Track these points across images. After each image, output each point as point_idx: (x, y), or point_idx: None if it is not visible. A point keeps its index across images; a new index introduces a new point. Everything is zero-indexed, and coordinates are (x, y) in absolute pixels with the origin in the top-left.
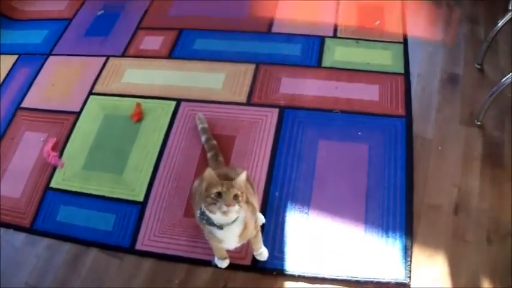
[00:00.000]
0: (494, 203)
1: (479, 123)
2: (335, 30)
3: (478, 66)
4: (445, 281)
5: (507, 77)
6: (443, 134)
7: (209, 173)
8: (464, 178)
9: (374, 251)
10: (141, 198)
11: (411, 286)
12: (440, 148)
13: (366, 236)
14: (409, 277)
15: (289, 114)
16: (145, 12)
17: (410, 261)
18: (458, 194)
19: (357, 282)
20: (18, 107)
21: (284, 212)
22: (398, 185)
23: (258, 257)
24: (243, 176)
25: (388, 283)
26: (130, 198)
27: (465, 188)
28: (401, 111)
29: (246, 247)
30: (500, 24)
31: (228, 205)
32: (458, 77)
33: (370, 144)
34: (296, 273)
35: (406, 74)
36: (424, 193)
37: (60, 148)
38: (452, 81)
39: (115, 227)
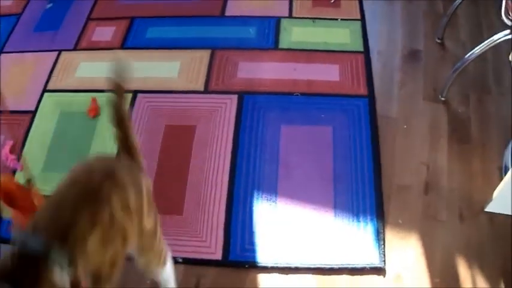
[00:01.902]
0: (464, 180)
1: (443, 98)
2: (290, 9)
3: (439, 41)
4: (420, 262)
5: (471, 52)
6: (407, 111)
7: None
8: (433, 156)
9: (346, 236)
10: None
11: (386, 270)
12: (405, 126)
13: (336, 221)
14: (384, 261)
15: (249, 100)
16: (95, 2)
17: (384, 244)
18: (428, 172)
19: (331, 269)
20: None
21: (251, 202)
22: (365, 166)
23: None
24: None
25: (363, 268)
26: None
27: (434, 166)
28: (363, 90)
29: (216, 240)
30: None
31: None
32: (420, 52)
33: (334, 126)
34: (269, 264)
35: (366, 52)
36: (393, 173)
37: (17, 150)
38: (414, 57)
39: None
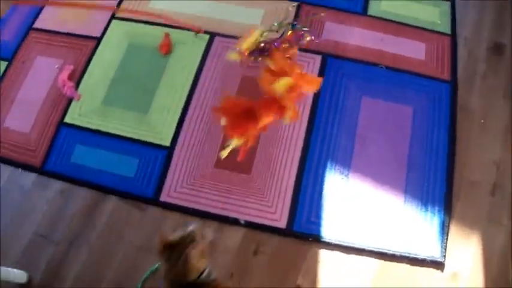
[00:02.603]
0: None
1: None
2: None
3: None
4: (478, 264)
5: None
6: (486, 106)
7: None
8: (504, 156)
9: (412, 224)
10: (167, 143)
11: (445, 265)
12: (482, 121)
13: (405, 208)
14: (444, 256)
15: (332, 64)
16: None
17: (447, 239)
18: (497, 172)
19: (393, 256)
20: (30, 28)
21: (323, 173)
22: (440, 155)
23: None
24: None
25: (423, 260)
26: (155, 141)
27: (503, 167)
28: (446, 75)
29: (282, 207)
30: None
31: None
32: (505, 46)
33: (415, 108)
34: (332, 241)
35: (453, 35)
36: (464, 167)
37: (77, 78)
38: (498, 50)
39: (137, 174)
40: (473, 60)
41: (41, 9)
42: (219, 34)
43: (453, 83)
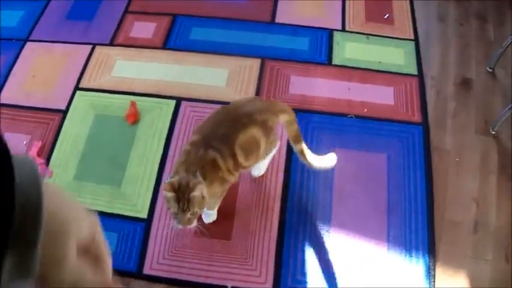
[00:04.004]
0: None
1: (494, 132)
2: (343, 22)
3: (490, 70)
4: None
5: None
6: (459, 144)
7: (165, 189)
8: (482, 192)
9: (398, 271)
10: (144, 215)
11: None
12: (457, 160)
13: (389, 255)
14: None
15: (302, 118)
16: None
17: (434, 281)
18: (477, 209)
19: None
20: None
21: (304, 230)
22: (419, 198)
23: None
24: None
25: None
26: (132, 214)
27: (483, 203)
28: (417, 117)
29: (266, 269)
30: None
31: (184, 226)
32: (471, 81)
33: (389, 154)
34: None
35: (420, 75)
36: (445, 208)
37: (46, 154)
38: (466, 85)
39: (118, 248)
40: (443, 99)
41: (3, 82)
42: (185, 98)
43: (424, 125)
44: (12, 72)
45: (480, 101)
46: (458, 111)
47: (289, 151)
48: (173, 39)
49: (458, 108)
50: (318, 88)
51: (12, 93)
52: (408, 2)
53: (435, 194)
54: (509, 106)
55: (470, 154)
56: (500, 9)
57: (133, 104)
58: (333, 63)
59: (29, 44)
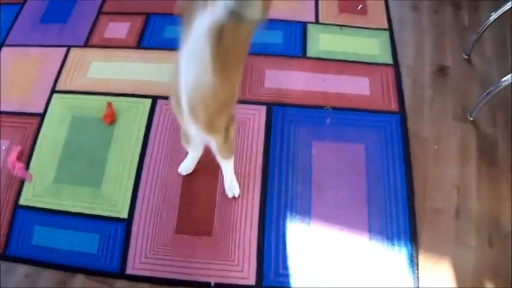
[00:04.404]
0: (493, 204)
1: (471, 119)
2: (316, 14)
3: (466, 57)
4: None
5: (506, 77)
6: (437, 131)
7: None
8: (463, 178)
9: (381, 261)
10: (125, 215)
11: None
12: (436, 147)
13: (371, 245)
14: (418, 286)
15: (278, 112)
16: None
17: (418, 269)
18: (458, 195)
19: None
20: None
21: (284, 224)
22: (398, 187)
23: (227, 192)
24: None
25: None
26: (112, 215)
27: (464, 189)
28: (394, 106)
29: (248, 264)
30: (492, 18)
31: None
32: (447, 68)
33: (366, 145)
34: None
35: (395, 64)
36: (425, 196)
37: (26, 158)
38: (442, 72)
39: (100, 249)
40: (419, 87)
41: None
42: (160, 97)
43: (402, 114)
44: None
45: (457, 88)
46: (435, 99)
47: (266, 141)
48: (147, 39)
49: (435, 96)
50: (293, 81)
51: None
52: None
53: (415, 183)
54: (486, 92)
55: (449, 141)
56: None
57: (109, 104)
58: (308, 55)
59: (4, 49)
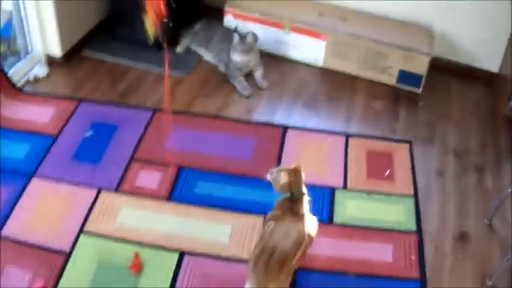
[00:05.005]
0: None
1: (490, 283)
2: (345, 179)
3: (487, 222)
4: None
5: None
6: None
7: None
8: None
9: None
10: None
11: None
12: None
13: None
14: None
15: (302, 277)
16: (140, 139)
17: None
18: None
19: None
20: None
21: None
22: None
23: None
24: None
25: None
26: None
27: None
28: (415, 273)
29: None
30: None
31: None
32: (469, 234)
33: None
34: None
35: (419, 231)
36: None
37: None
38: (463, 239)
39: None
40: (441, 254)
41: (8, 214)
42: (188, 252)
43: (422, 280)
44: (17, 205)
45: (477, 254)
46: (456, 265)
47: None
48: (178, 192)
49: (455, 264)
50: (318, 246)
51: (16, 228)
52: (409, 157)
53: None
54: (507, 258)
55: None
56: (499, 160)
57: (137, 254)
58: (334, 221)
59: (34, 180)
